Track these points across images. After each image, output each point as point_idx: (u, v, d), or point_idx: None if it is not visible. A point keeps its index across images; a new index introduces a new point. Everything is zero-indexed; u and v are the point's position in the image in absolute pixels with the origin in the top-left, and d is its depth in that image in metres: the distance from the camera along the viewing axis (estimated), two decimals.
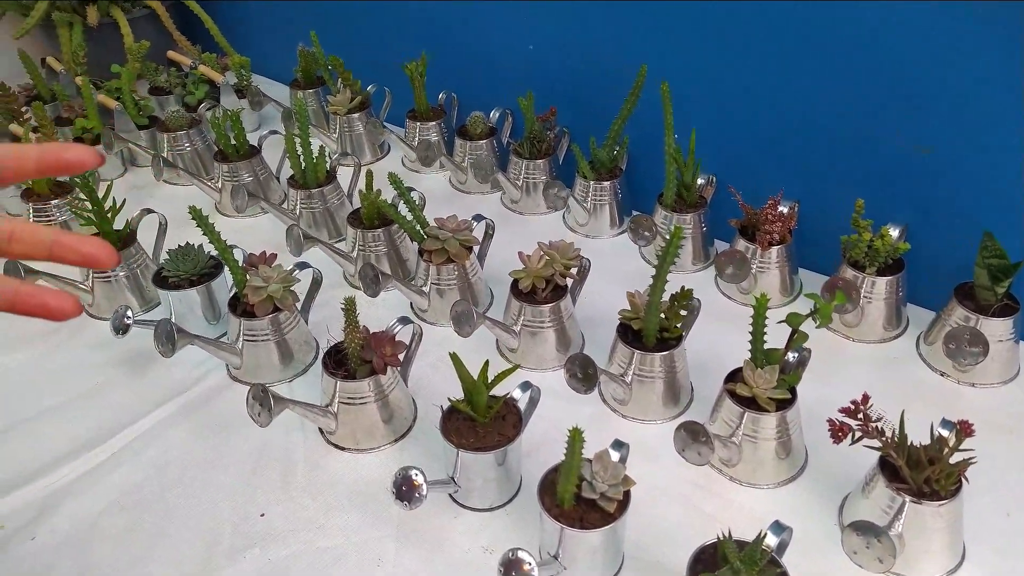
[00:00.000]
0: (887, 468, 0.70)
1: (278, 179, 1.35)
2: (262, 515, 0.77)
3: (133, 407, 0.91)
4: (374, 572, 0.72)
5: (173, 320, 0.99)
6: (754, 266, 1.00)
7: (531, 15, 1.25)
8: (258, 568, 0.72)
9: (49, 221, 1.18)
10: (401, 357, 0.84)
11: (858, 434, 0.69)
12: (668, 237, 1.04)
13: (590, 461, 0.67)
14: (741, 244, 1.01)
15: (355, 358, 0.82)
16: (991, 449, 0.76)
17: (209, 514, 0.78)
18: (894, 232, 0.95)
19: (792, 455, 0.79)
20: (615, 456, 0.70)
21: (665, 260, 0.76)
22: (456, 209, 1.29)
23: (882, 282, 0.93)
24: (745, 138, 1.09)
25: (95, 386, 0.94)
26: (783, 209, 0.99)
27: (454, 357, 0.73)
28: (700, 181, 1.10)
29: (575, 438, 0.62)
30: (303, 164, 1.17)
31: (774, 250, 0.99)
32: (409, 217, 1.02)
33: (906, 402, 0.87)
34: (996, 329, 0.86)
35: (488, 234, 1.07)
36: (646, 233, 1.01)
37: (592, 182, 1.17)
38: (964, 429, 0.65)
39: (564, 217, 1.25)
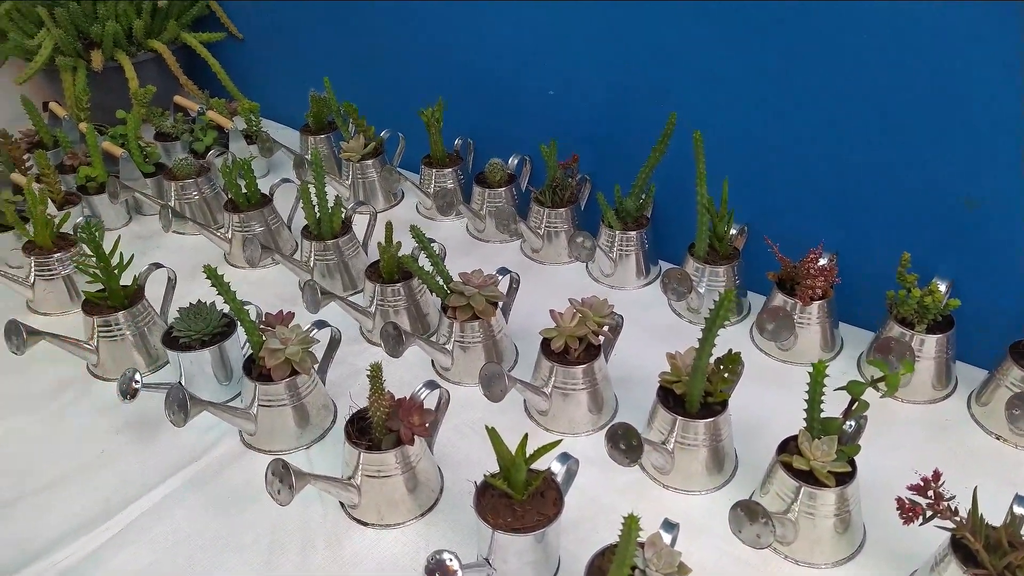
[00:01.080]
0: (960, 549, 0.65)
1: (289, 228, 1.31)
2: None
3: (140, 479, 0.85)
4: None
5: (183, 382, 0.94)
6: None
7: (552, 60, 1.22)
8: None
9: (51, 276, 1.13)
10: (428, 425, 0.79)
11: (928, 513, 0.64)
12: (699, 291, 1.01)
13: (641, 546, 0.62)
14: (780, 298, 0.97)
15: (380, 427, 0.76)
16: None
17: None
18: (941, 286, 0.91)
19: (850, 531, 0.73)
20: (667, 539, 0.64)
21: (714, 324, 0.71)
22: (474, 258, 1.25)
23: (932, 340, 0.89)
24: (778, 186, 1.06)
25: (101, 455, 0.88)
26: (823, 262, 0.95)
27: (492, 432, 0.67)
28: (732, 231, 1.06)
29: (631, 526, 0.57)
30: (318, 215, 1.13)
31: (815, 305, 0.95)
32: (431, 270, 0.97)
33: (963, 469, 0.83)
34: None
35: (513, 288, 1.03)
36: (680, 288, 0.97)
37: (618, 231, 1.13)
38: None
39: (588, 267, 1.21)
